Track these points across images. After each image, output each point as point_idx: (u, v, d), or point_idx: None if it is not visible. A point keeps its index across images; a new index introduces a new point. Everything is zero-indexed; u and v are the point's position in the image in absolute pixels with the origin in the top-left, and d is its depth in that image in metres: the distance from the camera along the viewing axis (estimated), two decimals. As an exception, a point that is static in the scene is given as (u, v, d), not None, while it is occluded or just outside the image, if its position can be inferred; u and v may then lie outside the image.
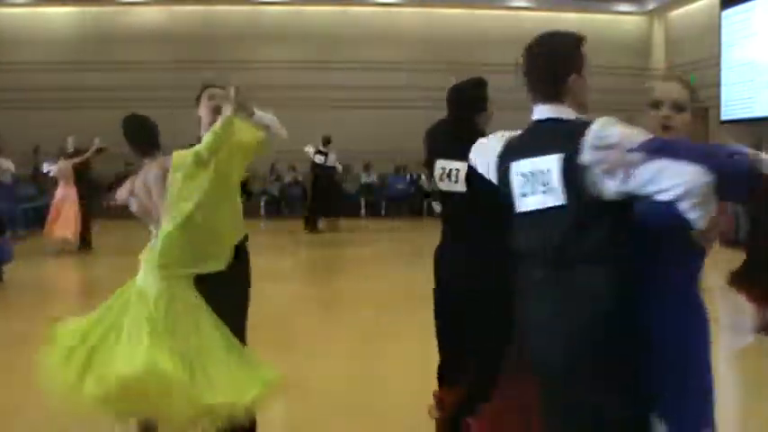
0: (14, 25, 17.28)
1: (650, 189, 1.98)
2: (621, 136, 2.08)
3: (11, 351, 5.71)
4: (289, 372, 5.16)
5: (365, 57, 17.55)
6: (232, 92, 3.18)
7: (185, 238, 3.22)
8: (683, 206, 1.93)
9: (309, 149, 14.10)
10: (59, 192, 11.39)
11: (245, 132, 3.35)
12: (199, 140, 3.30)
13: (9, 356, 5.55)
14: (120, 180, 18.35)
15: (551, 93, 2.30)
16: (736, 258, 6.21)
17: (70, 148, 12.09)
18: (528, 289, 2.26)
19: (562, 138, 2.17)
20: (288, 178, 16.91)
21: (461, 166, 3.18)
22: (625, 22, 18.68)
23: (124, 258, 10.57)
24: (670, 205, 1.95)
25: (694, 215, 1.94)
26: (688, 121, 2.30)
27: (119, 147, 16.57)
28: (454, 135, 3.38)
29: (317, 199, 14.33)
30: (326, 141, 14.28)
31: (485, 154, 2.54)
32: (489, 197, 2.60)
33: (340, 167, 15.15)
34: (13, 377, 5.01)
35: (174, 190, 3.23)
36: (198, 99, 3.55)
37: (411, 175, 17.40)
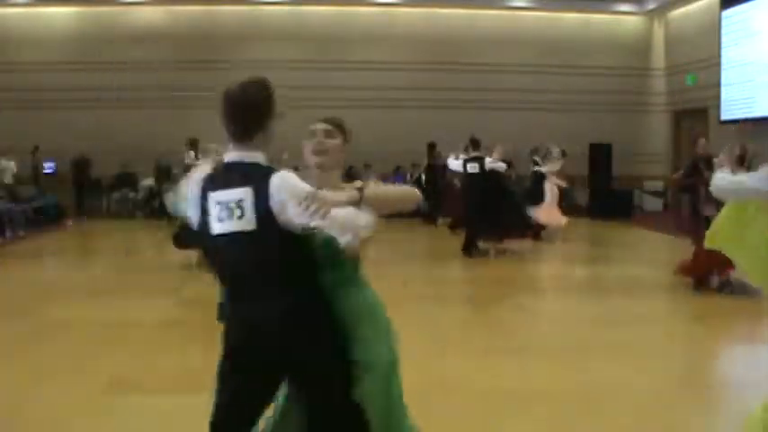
0: (14, 25, 17.28)
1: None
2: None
3: (11, 351, 5.70)
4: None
5: (365, 57, 17.54)
6: None
7: None
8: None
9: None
10: None
11: None
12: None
13: (9, 357, 5.54)
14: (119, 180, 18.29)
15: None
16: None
17: None
18: None
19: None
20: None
21: None
22: (625, 22, 18.66)
23: (124, 259, 10.60)
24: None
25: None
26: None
27: (118, 147, 16.50)
28: None
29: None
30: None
31: None
32: None
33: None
34: (14, 377, 5.01)
35: None
36: None
37: (411, 175, 17.39)
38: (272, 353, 2.50)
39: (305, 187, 2.37)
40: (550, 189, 12.55)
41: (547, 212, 12.40)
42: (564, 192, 13.39)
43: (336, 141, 2.81)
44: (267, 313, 2.46)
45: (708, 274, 7.99)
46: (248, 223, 2.40)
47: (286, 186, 2.38)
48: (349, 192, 2.44)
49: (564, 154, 13.12)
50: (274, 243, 2.42)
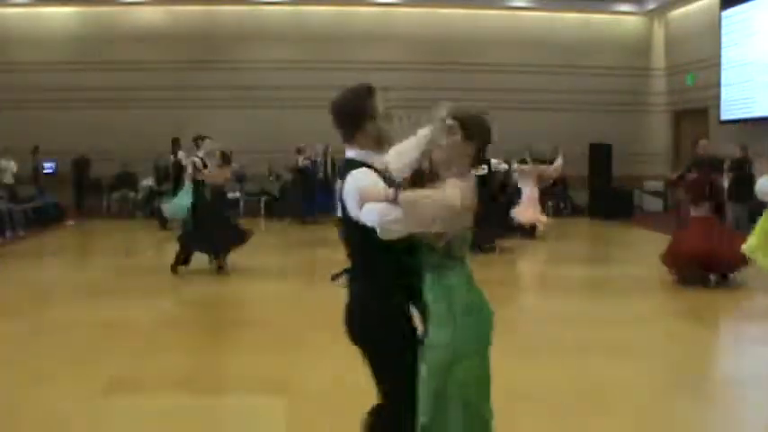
0: (14, 25, 17.28)
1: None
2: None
3: (10, 351, 5.71)
4: (287, 371, 5.17)
5: (365, 57, 17.53)
6: None
7: None
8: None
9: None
10: None
11: None
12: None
13: (9, 357, 5.55)
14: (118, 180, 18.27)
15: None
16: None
17: None
18: None
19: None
20: (288, 178, 16.85)
21: None
22: (625, 22, 18.66)
23: (124, 259, 10.59)
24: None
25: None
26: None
27: (118, 147, 16.46)
28: None
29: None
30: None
31: None
32: None
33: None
34: (14, 377, 5.01)
35: None
36: None
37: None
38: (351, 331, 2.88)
39: (363, 184, 2.64)
40: (530, 189, 12.66)
41: (522, 211, 12.53)
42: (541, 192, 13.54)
43: (455, 138, 2.79)
44: (351, 292, 2.84)
45: (691, 269, 8.02)
46: (339, 212, 2.80)
47: (352, 182, 2.67)
48: (387, 190, 2.62)
49: (533, 160, 13.40)
50: (353, 231, 2.73)
